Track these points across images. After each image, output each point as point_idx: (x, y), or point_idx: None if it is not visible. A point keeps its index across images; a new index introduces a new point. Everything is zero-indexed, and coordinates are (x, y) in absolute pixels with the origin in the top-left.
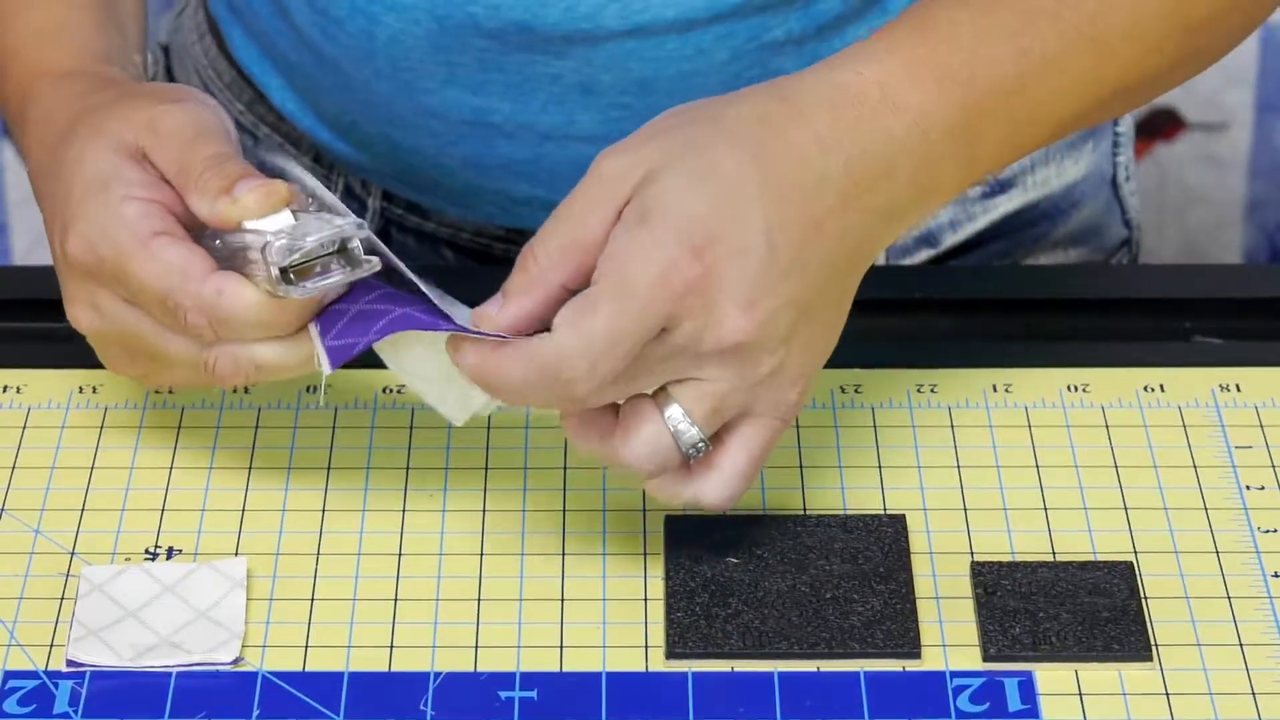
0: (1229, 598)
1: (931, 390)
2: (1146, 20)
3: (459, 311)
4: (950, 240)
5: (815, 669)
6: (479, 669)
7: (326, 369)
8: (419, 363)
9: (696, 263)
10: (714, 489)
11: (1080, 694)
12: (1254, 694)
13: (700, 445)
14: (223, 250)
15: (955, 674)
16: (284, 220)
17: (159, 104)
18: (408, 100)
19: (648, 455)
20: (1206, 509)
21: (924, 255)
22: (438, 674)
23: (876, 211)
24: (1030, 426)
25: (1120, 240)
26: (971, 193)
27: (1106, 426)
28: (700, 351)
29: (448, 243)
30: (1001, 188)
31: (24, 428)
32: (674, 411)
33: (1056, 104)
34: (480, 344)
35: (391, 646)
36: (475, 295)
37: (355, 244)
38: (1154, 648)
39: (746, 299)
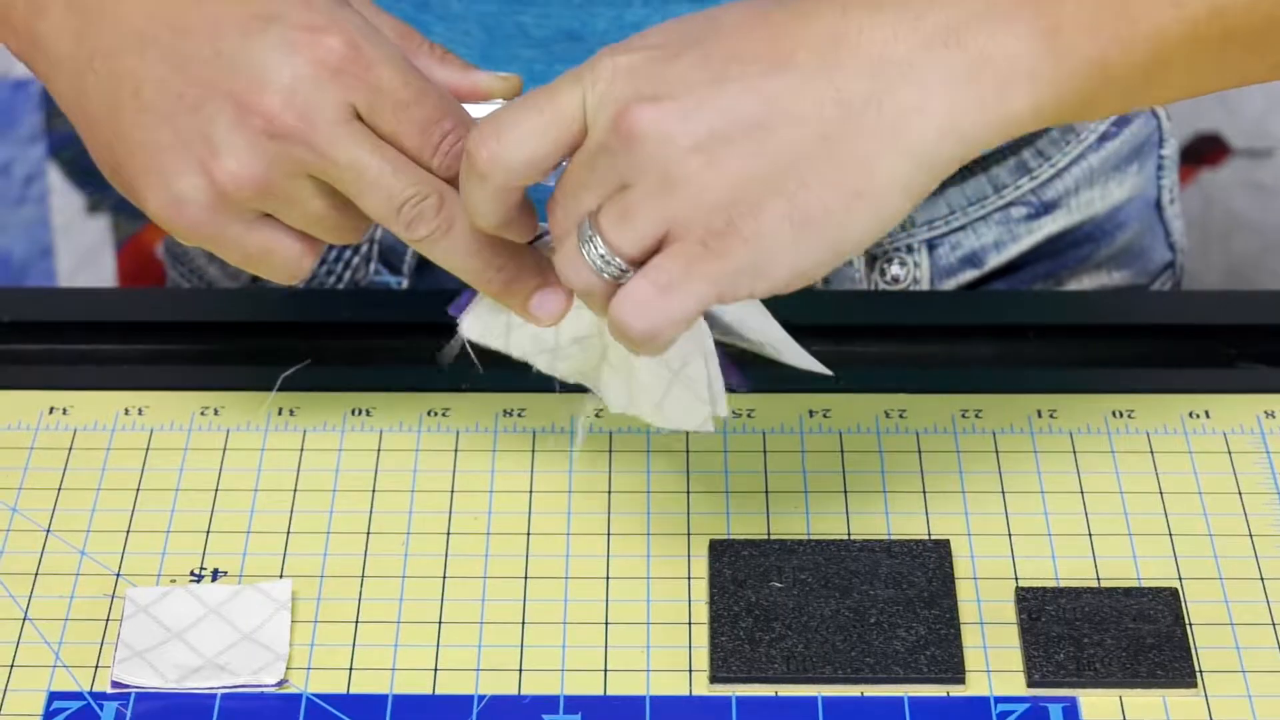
0: (1274, 624)
1: (976, 416)
2: None
3: None
4: (994, 261)
5: (859, 694)
6: (523, 692)
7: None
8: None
9: (616, 58)
10: (620, 309)
11: None
12: None
13: (608, 261)
14: None
15: (999, 700)
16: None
17: None
18: None
19: (570, 276)
20: (1252, 535)
21: (969, 275)
22: (482, 697)
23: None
24: (1075, 452)
25: (1164, 263)
26: (1015, 214)
27: (1151, 452)
28: (611, 146)
29: None
30: (1046, 209)
31: (70, 449)
32: (584, 225)
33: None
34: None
35: (436, 669)
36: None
37: None
38: (1199, 674)
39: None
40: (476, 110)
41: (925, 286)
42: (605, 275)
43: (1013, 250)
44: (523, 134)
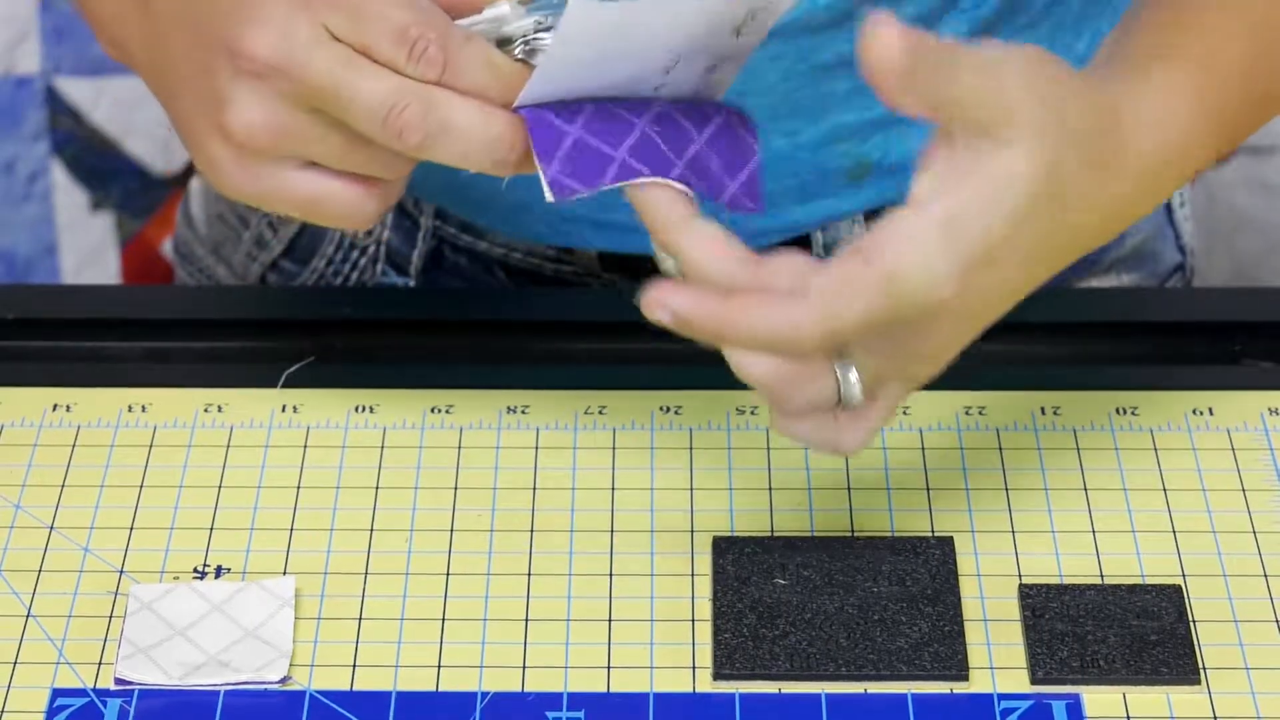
0: (1278, 621)
1: (980, 413)
2: None
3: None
4: None
5: (863, 691)
6: (526, 689)
7: (548, 195)
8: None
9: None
10: (856, 438)
11: (1128, 717)
12: None
13: (859, 404)
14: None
15: (1003, 697)
16: (505, 8)
17: None
18: None
19: (810, 403)
20: (1255, 532)
21: None
22: (485, 694)
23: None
24: (1079, 449)
25: (1174, 265)
26: None
27: (1155, 449)
28: (906, 348)
29: (500, 263)
30: None
31: (73, 446)
32: (852, 375)
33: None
34: (705, 295)
35: (439, 666)
36: (527, 314)
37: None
38: (1202, 671)
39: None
40: (478, 18)
41: None
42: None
43: None
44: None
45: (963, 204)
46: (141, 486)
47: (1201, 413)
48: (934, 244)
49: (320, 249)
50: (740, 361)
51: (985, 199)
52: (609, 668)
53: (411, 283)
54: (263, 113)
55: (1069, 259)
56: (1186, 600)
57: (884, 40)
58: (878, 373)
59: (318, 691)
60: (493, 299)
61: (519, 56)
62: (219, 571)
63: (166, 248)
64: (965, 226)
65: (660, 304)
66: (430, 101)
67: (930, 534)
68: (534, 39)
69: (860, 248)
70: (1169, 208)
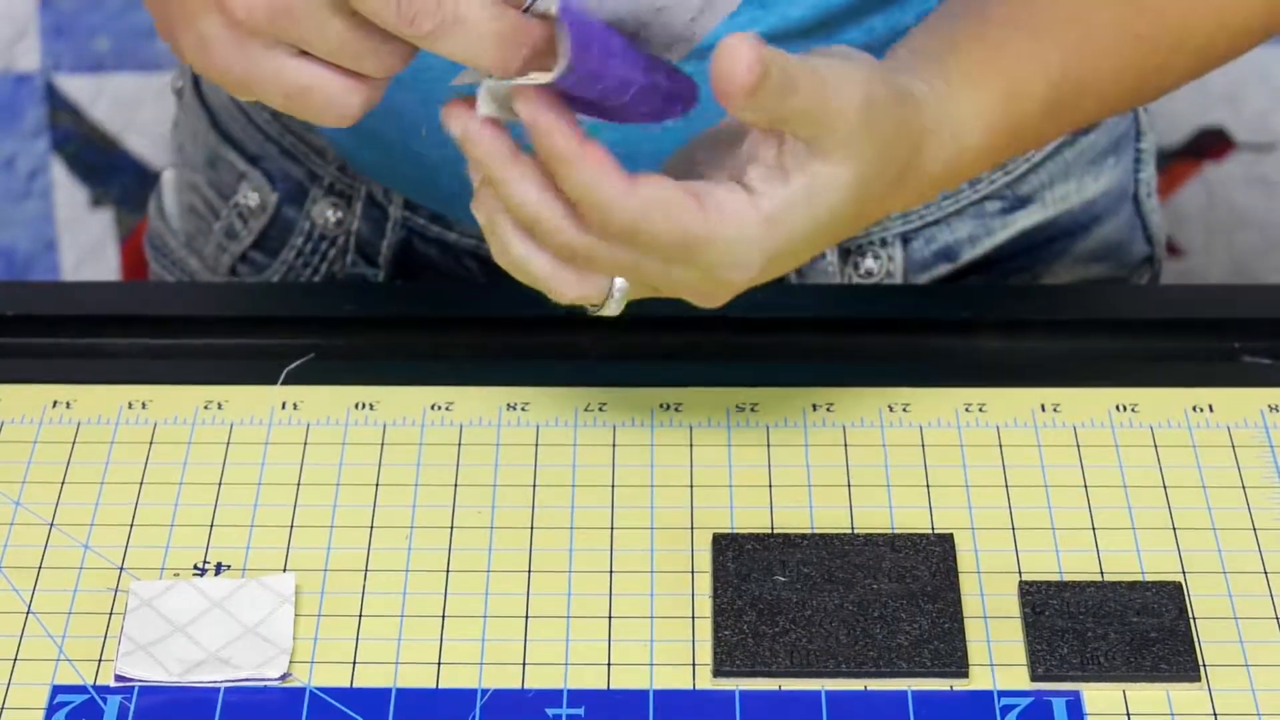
0: (1277, 618)
1: (980, 409)
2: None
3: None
4: (969, 255)
5: (863, 688)
6: (526, 686)
7: (561, 62)
8: None
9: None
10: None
11: (1128, 714)
12: None
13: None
14: None
15: (1003, 694)
16: None
17: None
18: (429, 109)
19: (577, 294)
20: (1255, 529)
21: (943, 269)
22: (485, 690)
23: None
24: (1079, 446)
25: (1143, 257)
26: (990, 207)
27: (1155, 446)
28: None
29: (471, 254)
30: (1021, 203)
31: (74, 443)
32: (621, 284)
33: (1094, 116)
34: (504, 141)
35: (439, 663)
36: (526, 311)
37: None
38: (1202, 668)
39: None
40: None
41: (899, 280)
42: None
43: (987, 244)
44: None
45: (785, 205)
46: (141, 483)
47: (1201, 409)
48: (753, 233)
49: (290, 240)
50: (518, 255)
51: (803, 203)
52: (609, 664)
53: (380, 273)
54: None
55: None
56: (1186, 597)
57: (736, 59)
58: (654, 288)
59: (318, 688)
60: (492, 296)
61: None
62: (219, 568)
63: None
64: (782, 224)
65: (459, 116)
66: None
67: (930, 531)
68: None
69: (687, 205)
70: (1136, 199)
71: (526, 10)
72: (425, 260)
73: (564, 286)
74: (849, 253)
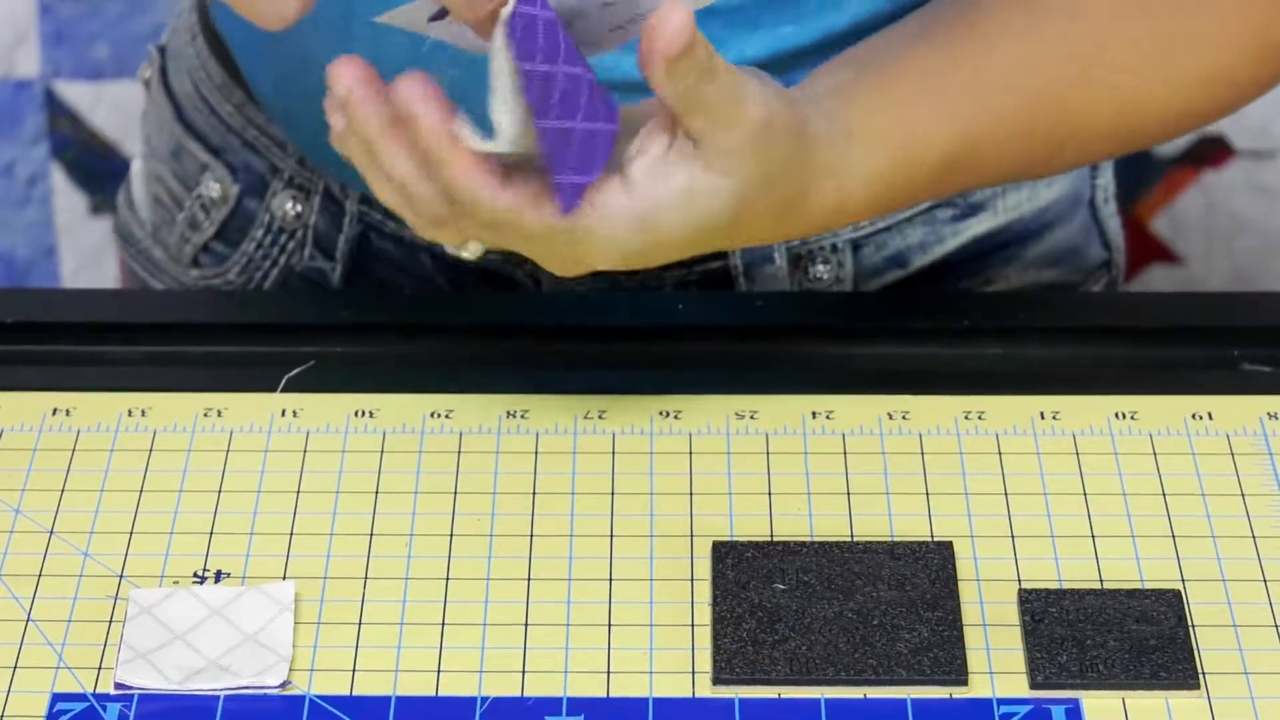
0: (1277, 626)
1: (979, 417)
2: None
3: None
4: (920, 261)
5: (862, 695)
6: (526, 694)
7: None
8: None
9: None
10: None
11: None
12: None
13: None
14: None
15: (1002, 701)
16: None
17: None
18: None
19: (436, 238)
20: (1254, 537)
21: (894, 275)
22: (485, 698)
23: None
24: (1078, 454)
25: (1100, 261)
26: (941, 214)
27: (1154, 454)
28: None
29: (426, 250)
30: (972, 210)
31: (73, 450)
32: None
33: (970, 186)
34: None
35: (439, 671)
36: (526, 318)
37: None
38: (1201, 676)
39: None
40: None
41: (849, 287)
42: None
43: (938, 251)
44: None
45: (658, 207)
46: (141, 491)
47: (1200, 417)
48: (622, 231)
49: (250, 232)
50: (387, 200)
51: (679, 207)
52: (609, 672)
53: (338, 267)
54: None
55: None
56: (1186, 605)
57: (671, 27)
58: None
59: (317, 696)
60: (492, 304)
61: None
62: (219, 576)
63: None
64: (653, 226)
65: (346, 78)
66: None
67: (930, 538)
68: None
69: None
70: (1093, 204)
71: None
72: (381, 255)
73: (425, 233)
74: (799, 258)
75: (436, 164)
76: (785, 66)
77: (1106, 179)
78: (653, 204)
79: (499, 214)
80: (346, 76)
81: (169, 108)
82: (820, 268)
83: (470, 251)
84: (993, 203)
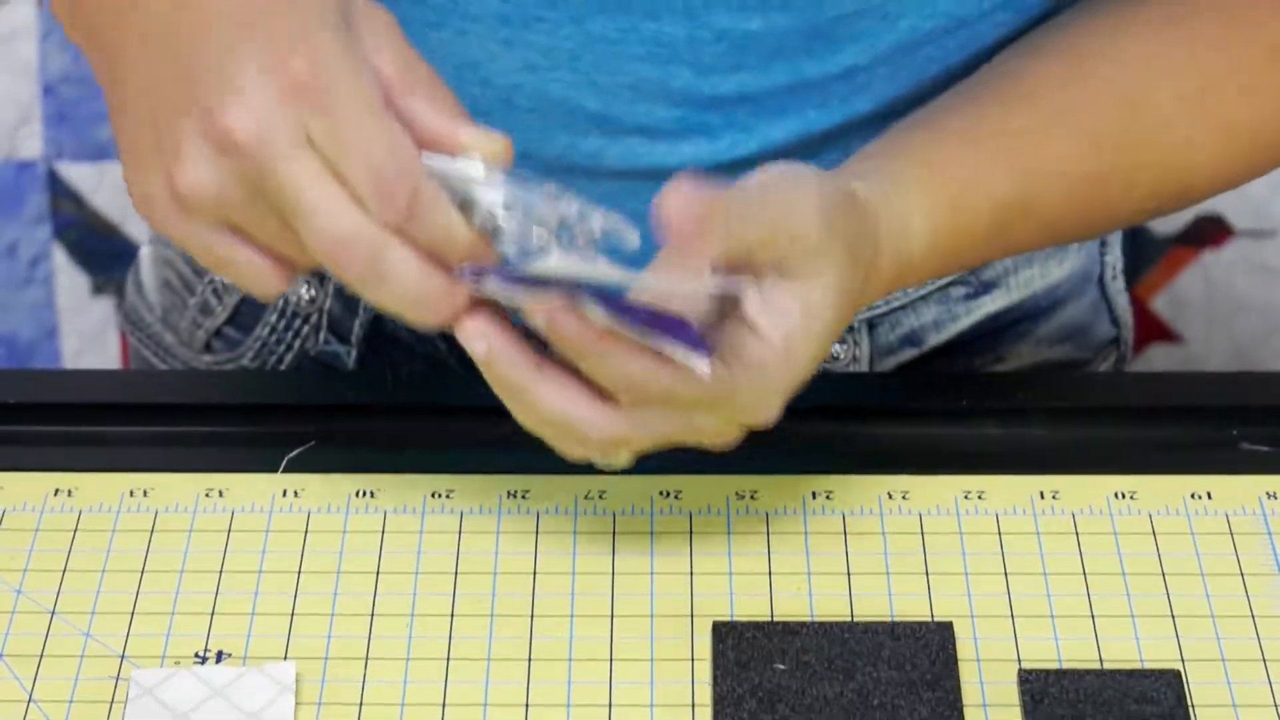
0: (1276, 706)
1: (979, 497)
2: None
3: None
4: (934, 340)
5: None
6: None
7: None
8: None
9: (774, 413)
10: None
11: None
12: None
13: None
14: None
15: None
16: (478, 169)
17: None
18: None
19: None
20: (1254, 616)
21: (909, 354)
22: None
23: None
24: (1078, 533)
25: (1108, 338)
26: (955, 293)
27: (1154, 533)
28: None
29: (441, 334)
30: (985, 288)
31: (75, 530)
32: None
33: (1038, 242)
34: (522, 355)
35: None
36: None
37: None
38: None
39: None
40: (451, 163)
41: (865, 366)
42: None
43: (952, 329)
44: None
45: (793, 339)
46: (143, 571)
47: (1200, 497)
48: (775, 374)
49: (264, 317)
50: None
51: (805, 329)
52: None
53: (354, 351)
54: (214, 181)
55: None
56: (1185, 685)
57: (676, 201)
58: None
59: None
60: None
61: (476, 225)
62: (220, 656)
63: (119, 316)
64: (796, 357)
65: (481, 334)
66: (379, 249)
67: (929, 618)
68: (493, 217)
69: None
70: (1102, 281)
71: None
72: (396, 339)
73: (581, 455)
74: None
75: (598, 356)
76: (811, 150)
77: (1115, 255)
78: (787, 338)
79: (664, 389)
80: (481, 334)
81: None
82: (836, 347)
83: (623, 461)
84: (1005, 280)
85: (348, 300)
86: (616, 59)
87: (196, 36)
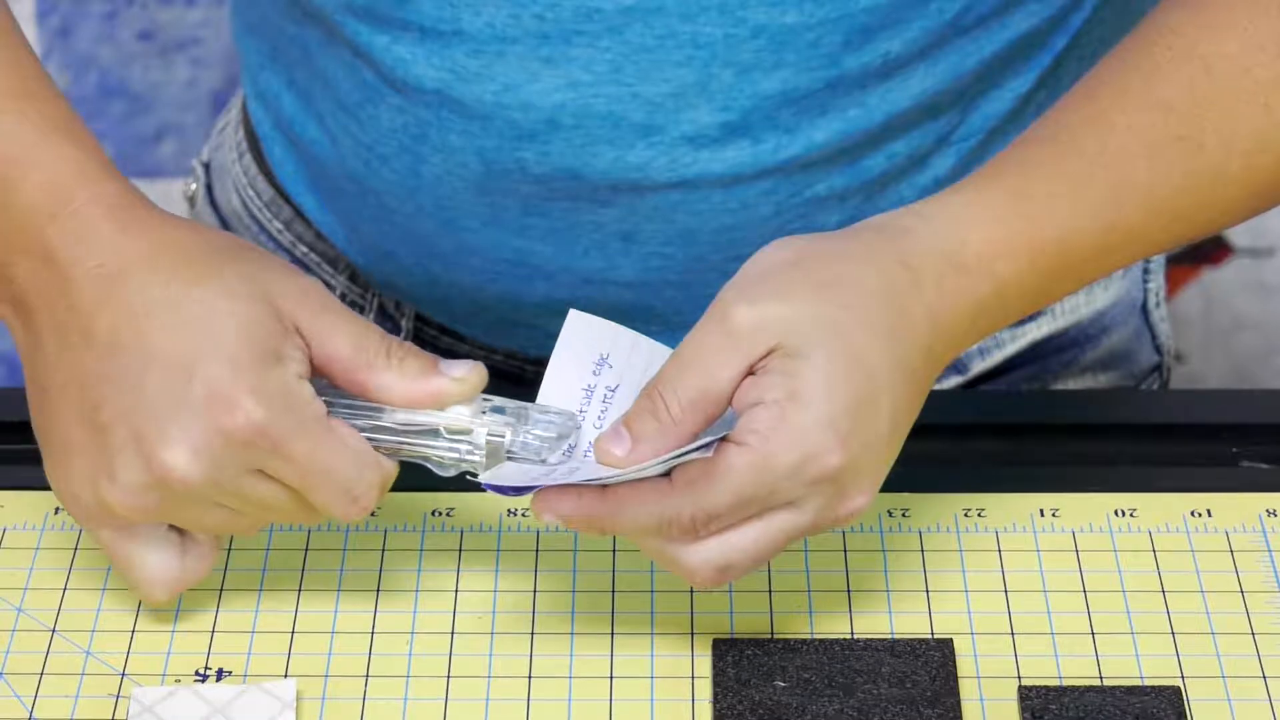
0: None
1: (979, 514)
2: (1226, 193)
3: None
4: (979, 367)
5: None
6: None
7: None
8: None
9: (836, 454)
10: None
11: None
12: None
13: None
14: (389, 430)
15: None
16: (464, 417)
17: (288, 271)
18: (448, 237)
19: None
20: (1254, 633)
21: (953, 381)
22: None
23: (948, 360)
24: (1078, 551)
25: (1151, 366)
26: None
27: (1154, 551)
28: (815, 519)
29: None
30: (1031, 315)
31: (75, 549)
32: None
33: (1122, 263)
34: (609, 493)
35: None
36: None
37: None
38: None
39: (871, 481)
40: (442, 416)
41: None
42: None
43: (997, 356)
44: None
45: (807, 379)
46: None
47: (1200, 514)
48: (796, 421)
49: None
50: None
51: (827, 377)
52: None
53: None
54: (140, 503)
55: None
56: (1185, 702)
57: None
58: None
59: None
60: None
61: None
62: (220, 674)
63: None
64: (815, 398)
65: (548, 508)
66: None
67: (930, 636)
68: (466, 460)
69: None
70: (1145, 309)
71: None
72: None
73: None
74: None
75: (610, 521)
76: (852, 153)
77: (1158, 283)
78: (830, 410)
79: (744, 492)
80: (552, 509)
81: (215, 223)
82: None
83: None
84: (1051, 308)
85: (388, 331)
86: (657, 66)
87: (135, 358)
